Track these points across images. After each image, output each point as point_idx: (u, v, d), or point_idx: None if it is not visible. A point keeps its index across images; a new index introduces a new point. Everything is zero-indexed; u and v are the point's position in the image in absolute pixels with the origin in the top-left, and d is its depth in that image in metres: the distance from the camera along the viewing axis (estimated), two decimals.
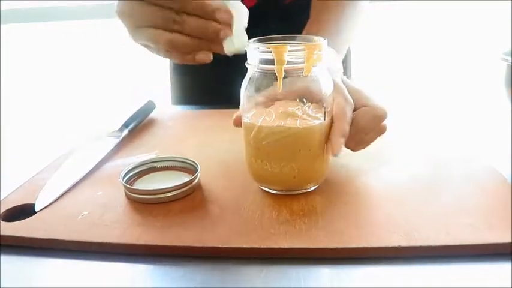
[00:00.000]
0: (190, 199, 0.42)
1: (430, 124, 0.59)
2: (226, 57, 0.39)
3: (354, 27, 0.59)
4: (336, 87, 0.41)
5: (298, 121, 0.39)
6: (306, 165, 0.40)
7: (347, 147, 0.42)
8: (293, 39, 0.41)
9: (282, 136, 0.39)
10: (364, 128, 0.42)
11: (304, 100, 0.39)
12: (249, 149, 0.42)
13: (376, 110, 0.43)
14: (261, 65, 0.39)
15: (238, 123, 0.44)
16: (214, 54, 0.39)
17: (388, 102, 0.44)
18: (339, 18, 0.57)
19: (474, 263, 0.33)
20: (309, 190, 0.42)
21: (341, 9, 0.58)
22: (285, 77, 0.38)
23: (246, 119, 0.41)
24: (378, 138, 0.44)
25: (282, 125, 0.39)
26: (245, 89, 0.41)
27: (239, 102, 0.42)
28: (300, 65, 0.38)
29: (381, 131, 0.44)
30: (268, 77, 0.39)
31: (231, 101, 0.66)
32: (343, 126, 0.40)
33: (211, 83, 0.78)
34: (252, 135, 0.40)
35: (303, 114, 0.39)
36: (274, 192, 0.42)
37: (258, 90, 0.40)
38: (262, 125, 0.40)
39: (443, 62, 1.47)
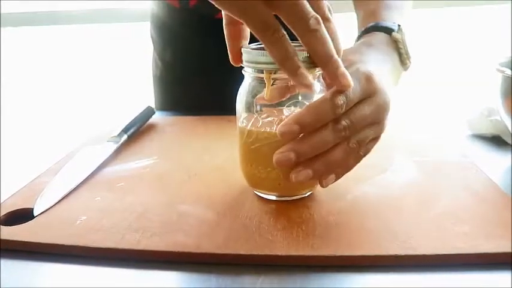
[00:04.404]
0: (188, 205, 0.42)
1: (426, 132, 0.60)
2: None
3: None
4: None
5: None
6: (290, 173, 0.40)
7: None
8: None
9: (268, 142, 0.39)
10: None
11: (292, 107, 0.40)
12: (241, 152, 0.43)
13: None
14: (255, 73, 0.40)
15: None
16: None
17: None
18: None
19: (471, 272, 0.33)
20: (304, 196, 0.42)
21: None
22: (273, 84, 0.39)
23: (239, 123, 0.42)
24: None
25: (268, 130, 0.39)
26: (240, 93, 0.42)
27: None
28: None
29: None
30: (263, 84, 0.39)
31: (219, 110, 0.66)
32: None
33: (200, 91, 0.78)
34: (243, 139, 0.41)
35: None
36: (265, 196, 0.42)
37: (252, 96, 0.41)
38: (251, 129, 0.40)
39: (440, 68, 1.48)
